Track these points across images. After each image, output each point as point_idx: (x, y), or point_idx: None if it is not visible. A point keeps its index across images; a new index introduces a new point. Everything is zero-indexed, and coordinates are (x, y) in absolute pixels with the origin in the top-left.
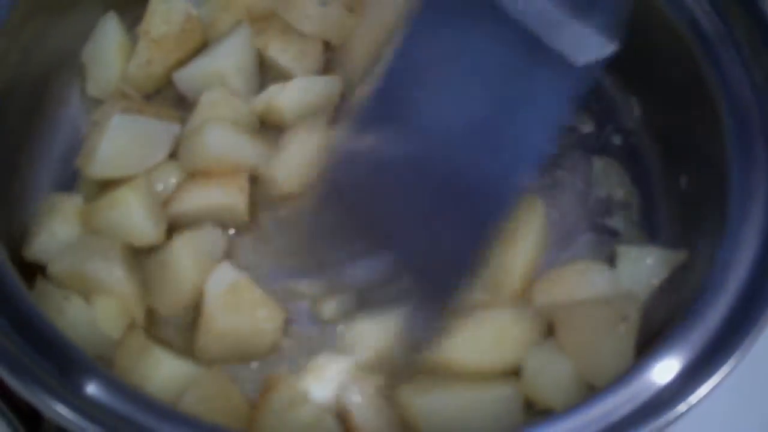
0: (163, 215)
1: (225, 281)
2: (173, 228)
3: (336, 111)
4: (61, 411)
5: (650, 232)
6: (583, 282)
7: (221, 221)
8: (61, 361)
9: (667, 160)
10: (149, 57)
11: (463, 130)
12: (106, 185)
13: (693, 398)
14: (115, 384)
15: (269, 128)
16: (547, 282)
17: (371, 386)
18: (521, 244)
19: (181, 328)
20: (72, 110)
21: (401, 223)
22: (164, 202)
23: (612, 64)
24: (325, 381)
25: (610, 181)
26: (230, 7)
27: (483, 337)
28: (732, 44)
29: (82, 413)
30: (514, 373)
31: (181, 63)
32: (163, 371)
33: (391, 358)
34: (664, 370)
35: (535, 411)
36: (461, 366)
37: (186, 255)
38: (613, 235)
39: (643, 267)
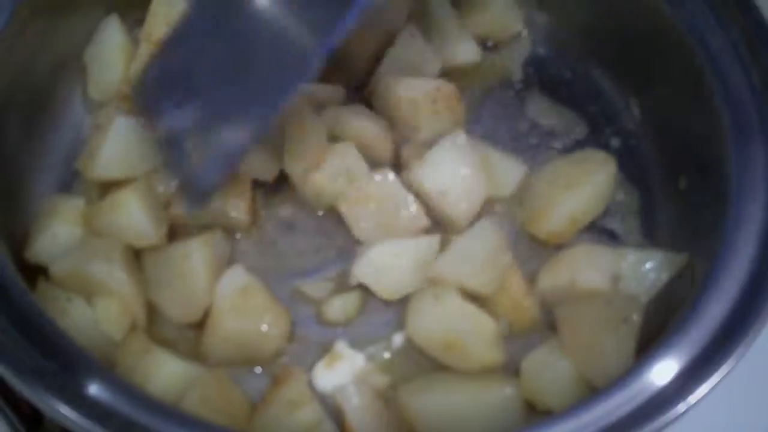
0: (164, 217)
1: (235, 284)
2: (174, 229)
3: None
4: (64, 411)
5: (649, 233)
6: (586, 264)
7: (222, 224)
8: (64, 361)
9: (666, 162)
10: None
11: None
12: (108, 187)
13: (692, 398)
14: (117, 384)
15: None
16: (552, 263)
17: (370, 389)
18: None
19: (182, 329)
20: (74, 112)
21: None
22: (165, 204)
23: (611, 67)
24: (335, 372)
25: None
26: None
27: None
28: (731, 47)
29: (84, 414)
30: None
31: None
32: (165, 372)
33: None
34: (663, 370)
35: (534, 412)
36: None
37: (202, 263)
38: (612, 236)
39: (644, 271)
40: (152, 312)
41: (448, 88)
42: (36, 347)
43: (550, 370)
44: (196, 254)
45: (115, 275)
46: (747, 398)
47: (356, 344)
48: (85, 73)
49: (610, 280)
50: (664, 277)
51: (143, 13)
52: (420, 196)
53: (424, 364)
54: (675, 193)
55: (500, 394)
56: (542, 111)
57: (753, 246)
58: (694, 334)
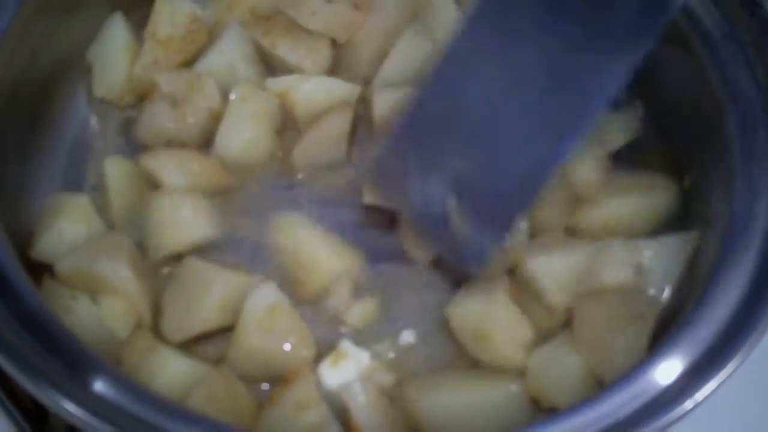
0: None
1: (266, 302)
2: None
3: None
4: (70, 408)
5: (654, 232)
6: (605, 261)
7: None
8: (70, 359)
9: (671, 160)
10: (155, 57)
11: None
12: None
13: (699, 395)
14: (123, 382)
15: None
16: None
17: (376, 387)
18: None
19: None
20: (78, 110)
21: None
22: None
23: None
24: (341, 370)
25: None
26: (234, 8)
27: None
28: (736, 44)
29: (90, 411)
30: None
31: (187, 63)
32: (170, 370)
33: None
34: (669, 368)
35: (540, 409)
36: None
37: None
38: None
39: (664, 255)
40: (157, 311)
41: None
42: (41, 344)
43: (557, 366)
44: (215, 285)
45: (120, 273)
46: (752, 397)
47: (362, 342)
48: (90, 71)
49: (634, 272)
50: (683, 256)
51: (148, 11)
52: None
53: (429, 361)
54: (680, 192)
55: (506, 392)
56: None
57: (758, 245)
58: (700, 333)
